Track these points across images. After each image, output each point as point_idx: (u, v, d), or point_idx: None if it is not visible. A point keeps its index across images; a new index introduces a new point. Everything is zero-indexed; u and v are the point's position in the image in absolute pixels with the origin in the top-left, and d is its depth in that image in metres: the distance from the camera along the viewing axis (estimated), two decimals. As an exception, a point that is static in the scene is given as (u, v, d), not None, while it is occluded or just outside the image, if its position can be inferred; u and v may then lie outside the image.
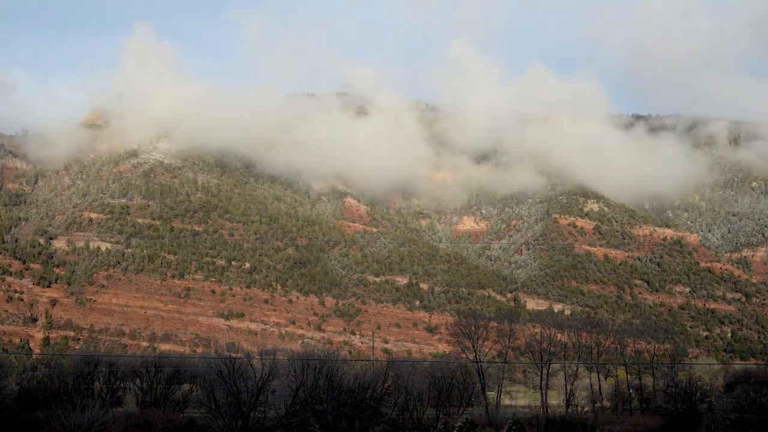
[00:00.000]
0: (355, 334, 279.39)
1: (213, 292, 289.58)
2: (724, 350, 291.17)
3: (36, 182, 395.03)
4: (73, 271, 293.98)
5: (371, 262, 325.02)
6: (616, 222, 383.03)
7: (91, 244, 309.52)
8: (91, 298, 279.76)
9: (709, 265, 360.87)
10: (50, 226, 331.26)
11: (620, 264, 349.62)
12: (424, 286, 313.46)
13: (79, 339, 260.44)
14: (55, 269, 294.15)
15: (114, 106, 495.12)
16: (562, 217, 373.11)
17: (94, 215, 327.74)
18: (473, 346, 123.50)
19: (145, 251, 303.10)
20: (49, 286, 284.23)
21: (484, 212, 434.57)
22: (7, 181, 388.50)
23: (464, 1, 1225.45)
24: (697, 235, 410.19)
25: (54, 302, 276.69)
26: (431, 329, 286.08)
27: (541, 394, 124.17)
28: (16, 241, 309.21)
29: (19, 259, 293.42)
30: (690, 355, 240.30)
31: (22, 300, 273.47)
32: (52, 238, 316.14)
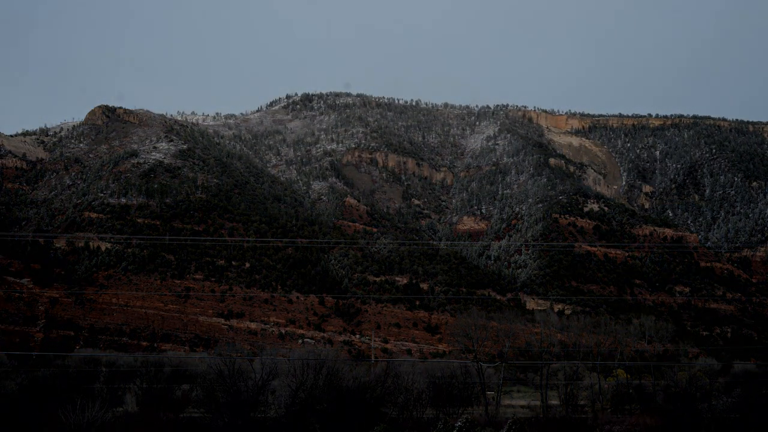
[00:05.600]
0: (355, 334, 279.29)
1: (213, 292, 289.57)
2: (724, 350, 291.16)
3: (36, 182, 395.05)
4: (73, 271, 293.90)
5: (371, 262, 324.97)
6: (616, 222, 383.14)
7: (91, 244, 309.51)
8: (91, 298, 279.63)
9: (709, 265, 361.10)
10: (50, 226, 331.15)
11: (620, 264, 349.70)
12: (424, 286, 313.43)
13: (79, 339, 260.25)
14: (55, 269, 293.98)
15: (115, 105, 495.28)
16: (562, 217, 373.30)
17: (94, 215, 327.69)
18: (473, 346, 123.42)
19: (145, 251, 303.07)
20: (49, 286, 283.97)
21: (484, 212, 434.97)
22: (7, 181, 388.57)
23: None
24: (697, 235, 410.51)
25: (54, 302, 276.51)
26: (431, 329, 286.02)
27: (541, 394, 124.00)
28: (16, 241, 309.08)
29: (19, 259, 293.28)
30: (690, 355, 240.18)
31: (22, 300, 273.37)
32: (52, 238, 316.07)
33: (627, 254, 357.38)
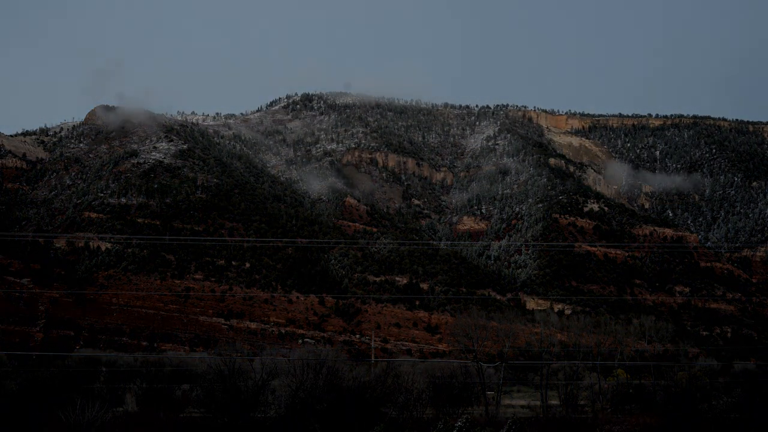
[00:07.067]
0: (355, 334, 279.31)
1: (213, 292, 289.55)
2: (724, 350, 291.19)
3: (36, 182, 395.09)
4: (73, 271, 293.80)
5: (371, 262, 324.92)
6: (616, 222, 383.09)
7: (91, 244, 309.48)
8: (91, 298, 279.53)
9: (709, 265, 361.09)
10: (50, 226, 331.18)
11: (620, 264, 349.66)
12: (424, 286, 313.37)
13: (79, 339, 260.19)
14: (55, 269, 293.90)
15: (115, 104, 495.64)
16: (562, 217, 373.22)
17: (94, 215, 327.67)
18: (473, 346, 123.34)
19: (145, 251, 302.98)
20: (49, 286, 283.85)
21: (484, 212, 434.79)
22: (7, 181, 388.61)
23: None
24: (697, 235, 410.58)
25: (54, 302, 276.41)
26: (431, 329, 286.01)
27: (541, 394, 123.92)
28: (16, 241, 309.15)
29: (19, 259, 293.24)
30: (690, 355, 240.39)
31: (22, 300, 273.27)
32: (52, 238, 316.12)
33: (627, 254, 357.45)
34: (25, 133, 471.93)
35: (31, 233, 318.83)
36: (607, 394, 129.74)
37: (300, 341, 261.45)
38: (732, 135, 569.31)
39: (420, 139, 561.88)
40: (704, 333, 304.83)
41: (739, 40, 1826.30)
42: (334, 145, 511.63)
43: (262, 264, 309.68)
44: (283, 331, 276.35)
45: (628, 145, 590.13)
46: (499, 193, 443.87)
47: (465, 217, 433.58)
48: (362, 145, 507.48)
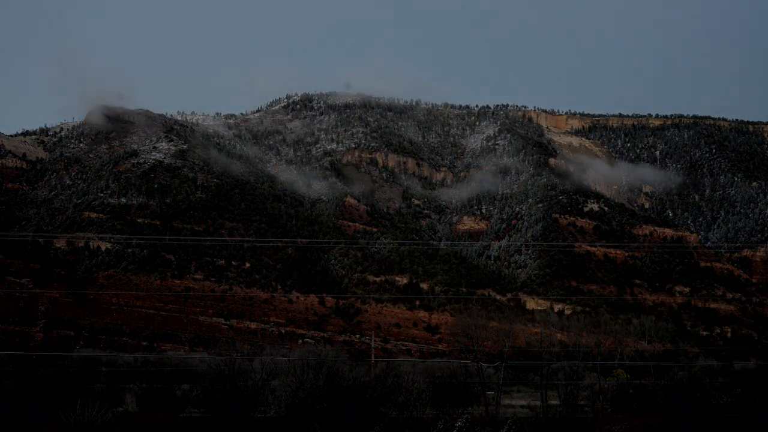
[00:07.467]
0: (355, 334, 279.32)
1: (213, 292, 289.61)
2: (724, 350, 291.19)
3: (36, 182, 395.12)
4: (73, 271, 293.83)
5: (371, 262, 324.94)
6: (616, 222, 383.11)
7: (91, 244, 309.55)
8: (91, 298, 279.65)
9: (709, 265, 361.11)
10: (50, 226, 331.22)
11: (620, 264, 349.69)
12: (424, 286, 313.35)
13: (79, 339, 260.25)
14: (55, 269, 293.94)
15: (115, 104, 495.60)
16: (562, 217, 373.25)
17: (94, 215, 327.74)
18: (473, 346, 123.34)
19: (145, 251, 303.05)
20: (49, 286, 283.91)
21: (484, 212, 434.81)
22: (7, 181, 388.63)
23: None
24: (697, 235, 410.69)
25: (54, 302, 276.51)
26: (431, 329, 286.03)
27: (541, 394, 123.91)
28: (16, 241, 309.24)
29: (19, 259, 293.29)
30: (690, 355, 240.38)
31: (22, 300, 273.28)
32: (52, 238, 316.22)
33: (627, 254, 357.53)
34: (25, 133, 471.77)
35: (31, 233, 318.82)
36: (607, 394, 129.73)
37: (300, 341, 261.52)
38: (732, 135, 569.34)
39: (420, 139, 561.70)
40: (704, 333, 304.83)
41: (740, 40, 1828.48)
42: (334, 145, 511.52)
43: (262, 264, 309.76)
44: (283, 331, 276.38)
45: (628, 145, 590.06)
46: (499, 193, 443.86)
47: (465, 217, 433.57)
48: (362, 145, 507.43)
